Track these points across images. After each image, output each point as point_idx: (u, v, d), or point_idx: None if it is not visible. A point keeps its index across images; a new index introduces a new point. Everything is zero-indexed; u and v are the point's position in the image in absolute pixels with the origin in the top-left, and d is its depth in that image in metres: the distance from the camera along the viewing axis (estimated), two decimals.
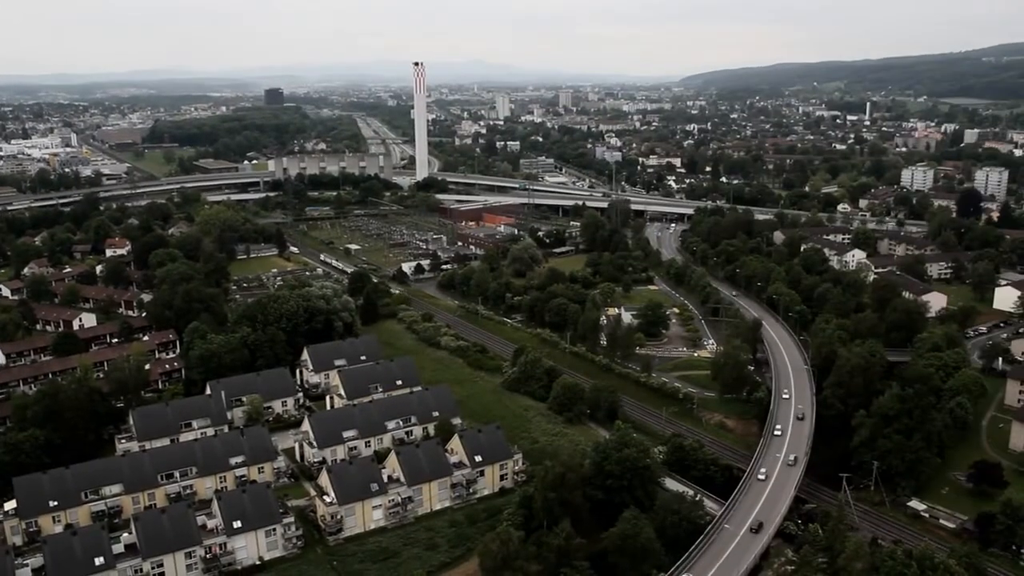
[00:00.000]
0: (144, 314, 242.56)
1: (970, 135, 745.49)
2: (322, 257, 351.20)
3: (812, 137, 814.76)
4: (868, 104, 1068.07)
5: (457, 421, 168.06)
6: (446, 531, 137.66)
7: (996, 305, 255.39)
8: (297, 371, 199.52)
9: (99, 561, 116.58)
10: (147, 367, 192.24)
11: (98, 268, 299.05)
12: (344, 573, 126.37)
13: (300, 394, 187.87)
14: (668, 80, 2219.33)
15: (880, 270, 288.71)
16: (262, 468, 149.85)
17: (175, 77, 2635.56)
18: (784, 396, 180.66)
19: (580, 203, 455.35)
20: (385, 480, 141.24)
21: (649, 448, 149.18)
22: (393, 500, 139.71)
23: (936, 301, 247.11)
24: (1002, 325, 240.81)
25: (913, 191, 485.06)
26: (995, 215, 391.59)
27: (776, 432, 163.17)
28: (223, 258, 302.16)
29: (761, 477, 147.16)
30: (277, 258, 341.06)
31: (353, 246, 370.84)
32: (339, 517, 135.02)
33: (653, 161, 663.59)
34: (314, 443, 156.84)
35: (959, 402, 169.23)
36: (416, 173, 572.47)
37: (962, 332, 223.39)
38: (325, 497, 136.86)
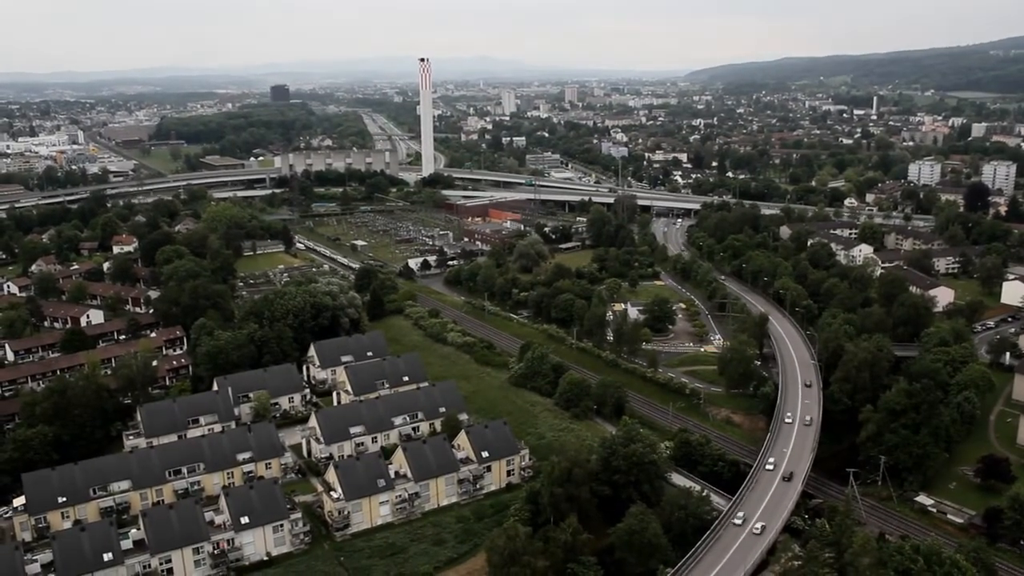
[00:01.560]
0: (151, 311, 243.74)
1: (978, 129, 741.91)
2: (300, 240, 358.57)
3: (819, 132, 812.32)
4: (875, 98, 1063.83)
5: (464, 417, 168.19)
6: (453, 527, 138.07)
7: (1004, 300, 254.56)
8: (304, 367, 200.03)
9: (108, 557, 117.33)
10: (154, 364, 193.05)
11: (105, 265, 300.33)
12: (351, 569, 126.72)
13: (307, 390, 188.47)
14: (673, 75, 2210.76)
15: (887, 265, 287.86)
16: (269, 464, 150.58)
17: (180, 74, 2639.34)
18: (787, 420, 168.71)
19: (586, 199, 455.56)
20: (392, 476, 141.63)
21: (656, 443, 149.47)
22: (400, 496, 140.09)
23: (943, 296, 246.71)
24: (1010, 320, 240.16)
25: (920, 185, 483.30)
26: (1003, 209, 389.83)
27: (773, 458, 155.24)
28: (230, 255, 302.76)
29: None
30: (284, 254, 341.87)
31: (359, 242, 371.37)
32: (346, 513, 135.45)
33: (659, 156, 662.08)
34: (321, 439, 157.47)
35: (966, 397, 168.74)
36: (422, 169, 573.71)
37: (969, 327, 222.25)
38: (332, 493, 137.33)
